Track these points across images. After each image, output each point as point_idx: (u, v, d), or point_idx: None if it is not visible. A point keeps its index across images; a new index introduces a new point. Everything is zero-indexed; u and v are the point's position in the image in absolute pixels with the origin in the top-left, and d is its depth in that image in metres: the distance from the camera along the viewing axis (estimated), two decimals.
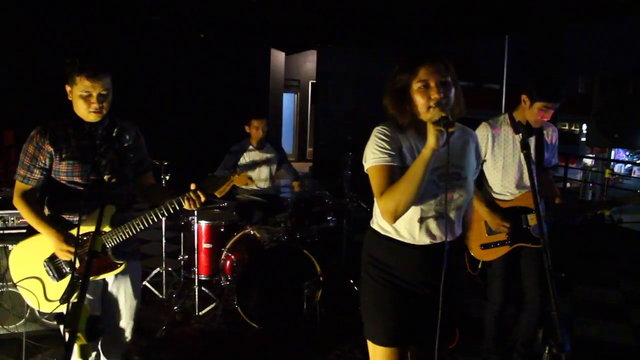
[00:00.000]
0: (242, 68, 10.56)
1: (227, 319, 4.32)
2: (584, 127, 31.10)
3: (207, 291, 4.55)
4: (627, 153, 27.50)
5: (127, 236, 2.57)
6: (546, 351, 1.78)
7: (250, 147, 5.23)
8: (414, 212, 2.14)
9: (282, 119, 14.19)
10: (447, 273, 2.15)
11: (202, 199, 2.51)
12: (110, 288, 2.77)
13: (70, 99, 2.55)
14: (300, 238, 4.60)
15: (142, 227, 2.55)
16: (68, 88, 2.53)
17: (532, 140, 3.30)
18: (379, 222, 2.28)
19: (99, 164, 2.36)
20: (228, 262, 4.47)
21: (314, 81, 13.96)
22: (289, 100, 15.54)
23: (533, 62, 7.68)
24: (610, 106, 6.02)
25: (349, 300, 4.75)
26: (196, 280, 4.47)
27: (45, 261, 2.63)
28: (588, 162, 24.46)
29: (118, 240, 2.57)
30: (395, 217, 2.07)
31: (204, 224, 4.55)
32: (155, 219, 2.55)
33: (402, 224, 2.17)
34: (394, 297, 2.23)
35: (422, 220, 2.16)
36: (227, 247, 4.51)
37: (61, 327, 1.38)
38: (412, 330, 2.28)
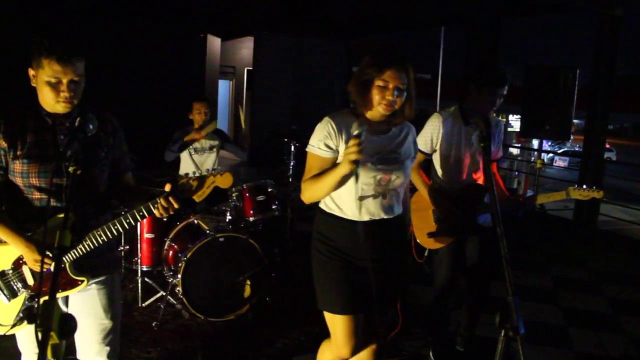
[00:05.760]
0: (178, 54, 10.29)
1: (171, 310, 4.25)
2: (510, 117, 32.42)
3: (150, 282, 4.45)
4: (550, 143, 28.89)
5: (87, 249, 2.22)
6: (502, 334, 1.86)
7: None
8: (355, 191, 2.40)
9: (217, 106, 13.96)
10: (388, 247, 2.52)
11: (176, 206, 2.15)
12: (71, 308, 2.36)
13: (33, 84, 2.18)
14: (245, 227, 4.57)
15: (105, 239, 2.22)
16: (32, 72, 2.16)
17: (476, 134, 3.34)
18: (325, 201, 2.52)
19: (63, 157, 1.95)
20: (171, 252, 4.37)
21: (250, 68, 13.80)
22: (224, 87, 15.31)
23: (470, 54, 7.90)
24: (542, 99, 6.29)
25: (294, 289, 4.77)
26: (139, 271, 4.36)
27: None
28: (514, 151, 25.53)
29: (77, 254, 2.22)
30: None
31: None
32: (121, 229, 2.20)
33: (345, 202, 2.45)
34: (344, 268, 2.48)
35: (361, 198, 2.42)
36: (170, 236, 4.41)
37: (31, 326, 1.29)
38: (362, 299, 2.48)
